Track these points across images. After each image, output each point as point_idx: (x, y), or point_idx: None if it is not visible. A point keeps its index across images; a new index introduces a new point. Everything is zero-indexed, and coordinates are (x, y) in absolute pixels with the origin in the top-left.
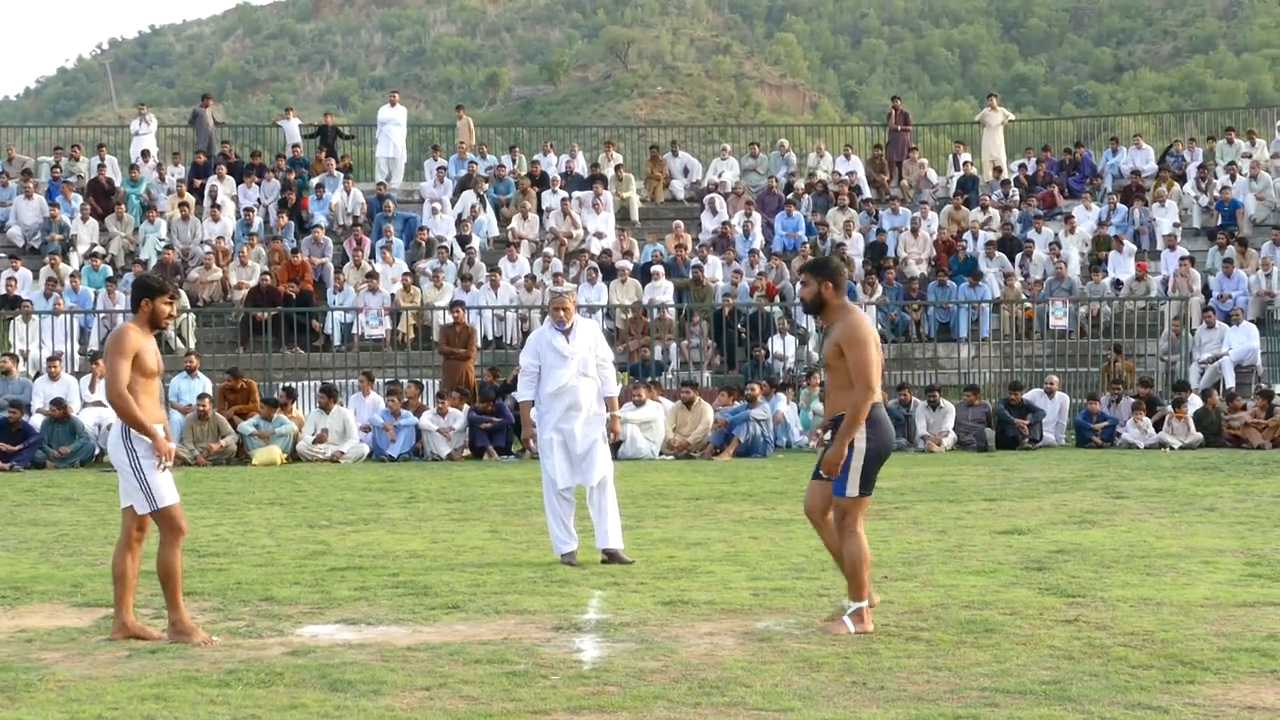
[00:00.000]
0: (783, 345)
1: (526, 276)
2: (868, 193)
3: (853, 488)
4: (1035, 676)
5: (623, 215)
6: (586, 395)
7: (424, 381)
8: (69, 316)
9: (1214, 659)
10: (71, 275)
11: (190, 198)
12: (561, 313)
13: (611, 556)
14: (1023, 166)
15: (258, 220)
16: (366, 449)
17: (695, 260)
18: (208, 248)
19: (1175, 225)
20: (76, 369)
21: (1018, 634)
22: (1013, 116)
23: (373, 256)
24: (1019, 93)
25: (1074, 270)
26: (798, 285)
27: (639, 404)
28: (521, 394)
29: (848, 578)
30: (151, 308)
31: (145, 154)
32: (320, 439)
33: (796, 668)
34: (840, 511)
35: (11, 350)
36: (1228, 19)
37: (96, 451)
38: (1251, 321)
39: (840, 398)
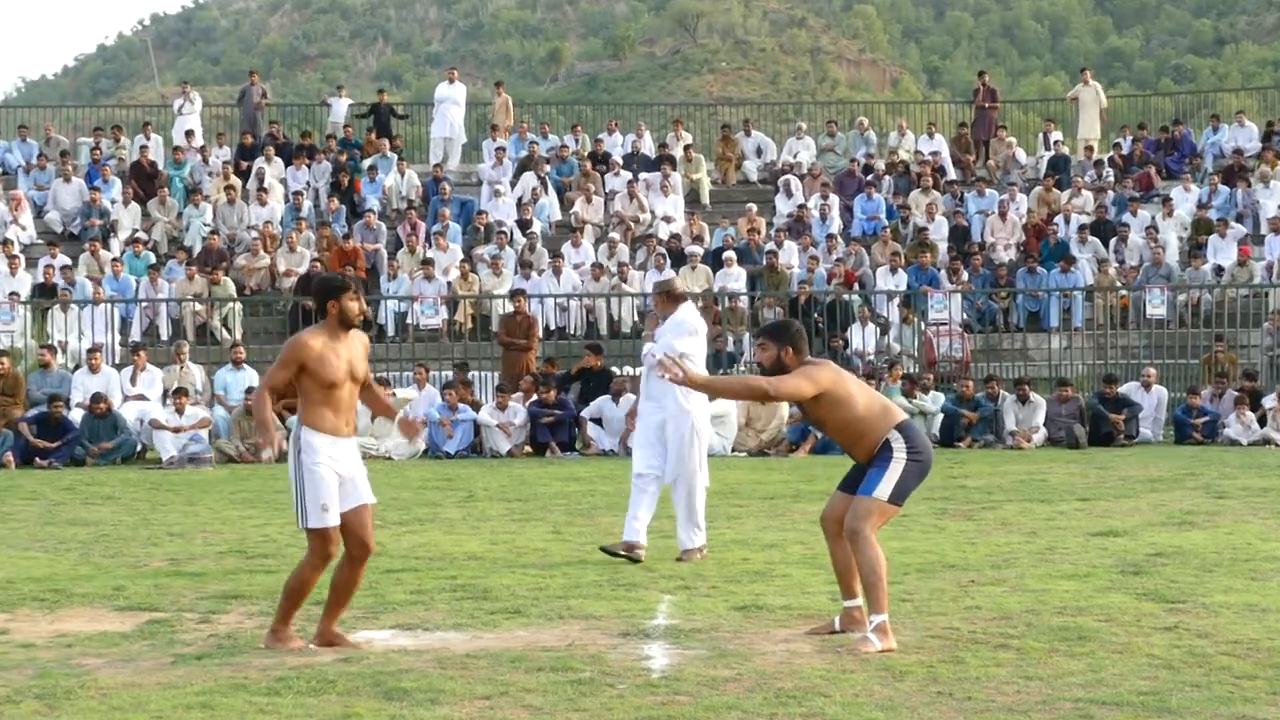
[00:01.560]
0: (862, 336)
1: (593, 264)
2: (952, 174)
3: (884, 490)
4: (1132, 687)
5: (692, 198)
6: (659, 389)
7: (481, 374)
8: (109, 306)
9: None
10: (113, 261)
11: (236, 180)
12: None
13: (686, 557)
14: (1117, 146)
15: (307, 204)
16: (421, 445)
17: (769, 246)
18: (255, 233)
19: None
20: (117, 361)
21: (1114, 642)
22: (1106, 94)
23: (428, 242)
24: (1113, 67)
25: (1172, 256)
26: (756, 349)
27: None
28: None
29: (865, 589)
30: (339, 307)
31: (189, 135)
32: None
33: (878, 677)
34: (860, 510)
35: (50, 342)
36: None
37: (139, 448)
38: None
39: (861, 443)
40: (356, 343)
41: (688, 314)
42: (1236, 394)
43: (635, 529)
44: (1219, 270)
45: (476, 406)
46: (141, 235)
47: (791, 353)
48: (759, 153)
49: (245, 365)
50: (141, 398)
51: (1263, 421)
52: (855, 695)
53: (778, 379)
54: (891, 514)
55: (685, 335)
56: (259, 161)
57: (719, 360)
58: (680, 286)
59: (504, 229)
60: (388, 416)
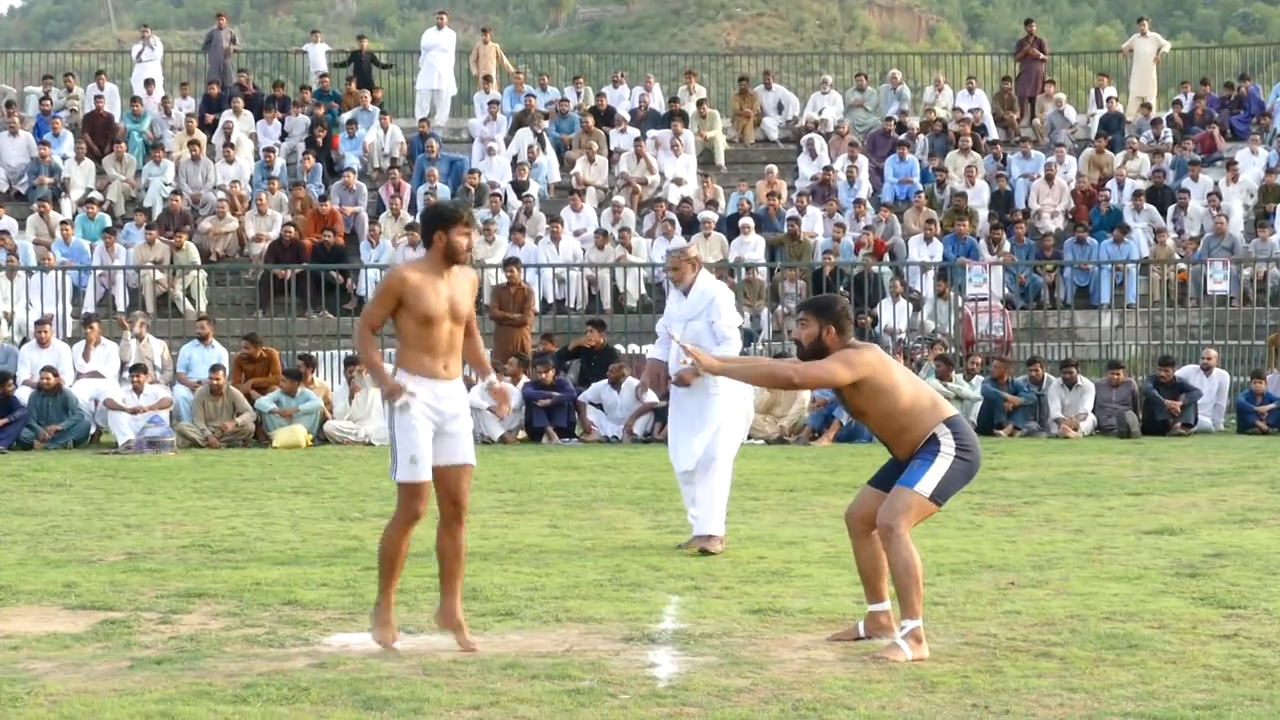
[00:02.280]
0: (893, 312)
1: (595, 231)
2: (994, 134)
3: (927, 485)
4: (1187, 700)
5: (706, 158)
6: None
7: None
8: (60, 273)
9: None
10: (63, 224)
11: (201, 135)
12: (673, 272)
13: (704, 550)
14: (1177, 103)
15: (279, 162)
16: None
17: (791, 211)
18: (221, 194)
19: None
20: (69, 335)
21: (1167, 651)
22: (1166, 45)
23: (413, 205)
24: (1173, 16)
25: (1236, 226)
26: (797, 324)
27: None
28: (653, 351)
29: (898, 591)
30: (446, 240)
31: (149, 84)
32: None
33: (907, 688)
34: (898, 504)
35: None
36: None
37: (92, 430)
38: None
39: (904, 438)
40: (463, 280)
41: (709, 283)
42: None
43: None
44: None
45: (467, 387)
46: (96, 195)
47: (834, 332)
48: (780, 109)
49: (213, 341)
50: (95, 375)
51: None
52: (882, 708)
53: (805, 365)
54: (930, 513)
55: (715, 311)
56: (226, 114)
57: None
58: (696, 253)
59: (497, 191)
60: (481, 373)
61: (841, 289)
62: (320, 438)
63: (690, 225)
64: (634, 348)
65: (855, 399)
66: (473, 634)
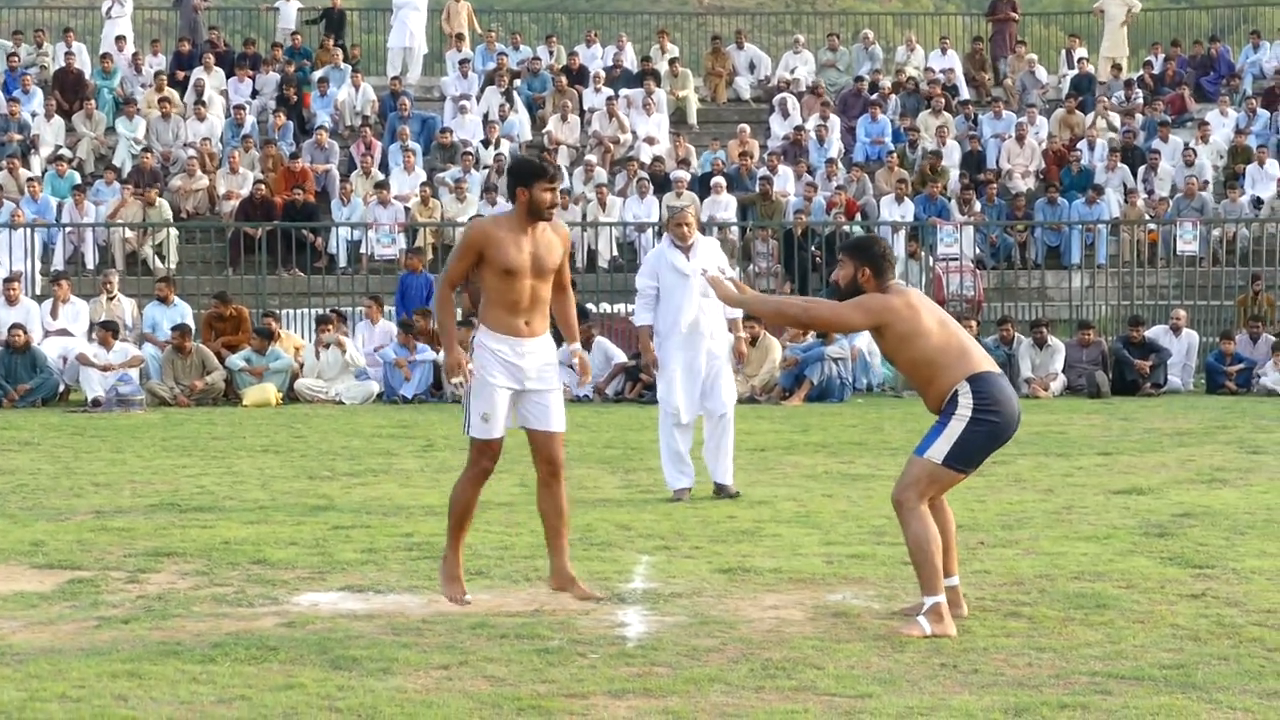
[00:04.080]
0: None
1: (562, 191)
2: (966, 94)
3: (937, 451)
4: (1155, 660)
5: (678, 118)
6: (709, 319)
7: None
8: (29, 230)
9: None
10: (31, 181)
11: (172, 92)
12: (684, 229)
13: (722, 490)
14: (1148, 64)
15: (250, 120)
16: (375, 387)
17: (763, 171)
18: (192, 151)
19: None
20: (38, 292)
21: (1135, 610)
22: (1137, 5)
23: (385, 164)
24: None
25: (1207, 186)
26: (837, 266)
27: None
28: (639, 318)
29: (915, 567)
30: (529, 195)
31: (120, 40)
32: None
33: (876, 647)
34: (907, 476)
35: None
36: None
37: (61, 388)
38: None
39: (930, 390)
40: (551, 237)
41: (707, 240)
42: (1275, 339)
43: (690, 468)
44: (1258, 203)
45: (436, 345)
46: (65, 152)
47: (869, 274)
48: (752, 68)
49: (177, 299)
50: (64, 333)
51: None
52: (850, 667)
53: (816, 303)
54: (950, 481)
55: (725, 268)
56: (197, 72)
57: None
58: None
59: (469, 150)
60: (569, 337)
61: (813, 249)
62: (290, 396)
63: (662, 184)
64: (605, 307)
65: (882, 344)
66: (439, 594)
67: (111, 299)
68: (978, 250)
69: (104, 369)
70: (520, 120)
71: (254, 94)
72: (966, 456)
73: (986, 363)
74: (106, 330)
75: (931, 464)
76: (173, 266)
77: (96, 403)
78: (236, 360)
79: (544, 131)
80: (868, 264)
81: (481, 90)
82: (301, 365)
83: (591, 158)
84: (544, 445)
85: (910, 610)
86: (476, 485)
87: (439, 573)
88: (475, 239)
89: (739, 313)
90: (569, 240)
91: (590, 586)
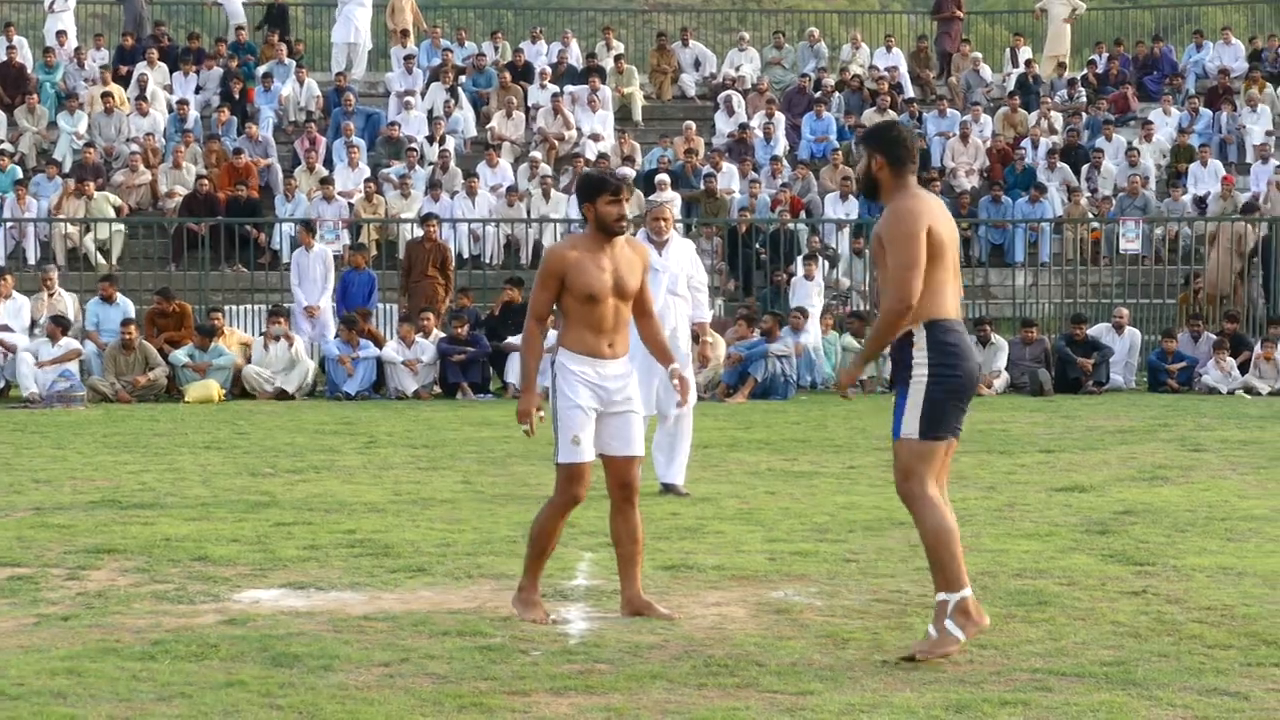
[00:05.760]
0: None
1: (508, 189)
2: (910, 92)
3: (910, 427)
4: (1095, 657)
5: (623, 115)
6: (674, 316)
7: (385, 305)
8: None
9: None
10: None
11: (115, 87)
12: (661, 223)
13: (669, 489)
14: (1091, 63)
15: (194, 115)
16: (310, 365)
17: (707, 168)
18: (135, 146)
19: (1268, 134)
20: None
21: (1076, 607)
22: (1082, 6)
23: (329, 159)
24: None
25: (1149, 185)
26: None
27: None
28: None
29: (930, 562)
30: (594, 212)
31: (62, 35)
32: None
33: (818, 644)
34: (899, 465)
35: None
36: None
37: (1, 384)
38: None
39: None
40: (630, 254)
41: (679, 238)
42: (1215, 338)
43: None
44: (1200, 202)
45: (380, 342)
46: (7, 147)
47: (883, 161)
48: (697, 65)
49: (121, 297)
50: (5, 329)
51: (1244, 368)
52: (792, 664)
53: (892, 292)
54: (937, 452)
55: (695, 265)
56: (140, 67)
57: None
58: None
59: (414, 146)
60: (663, 360)
61: (758, 246)
62: (233, 393)
63: None
64: None
65: (880, 255)
66: (380, 590)
67: (52, 294)
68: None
69: (51, 363)
70: (465, 116)
71: (197, 89)
72: (940, 420)
73: (953, 308)
74: (56, 325)
75: (911, 443)
76: (115, 262)
77: (32, 400)
78: (179, 356)
79: (488, 128)
80: (878, 150)
81: (426, 86)
82: (248, 359)
83: (536, 154)
84: (623, 470)
85: (922, 649)
86: (564, 514)
87: (514, 602)
88: (555, 265)
89: (706, 316)
90: (648, 259)
91: (666, 607)
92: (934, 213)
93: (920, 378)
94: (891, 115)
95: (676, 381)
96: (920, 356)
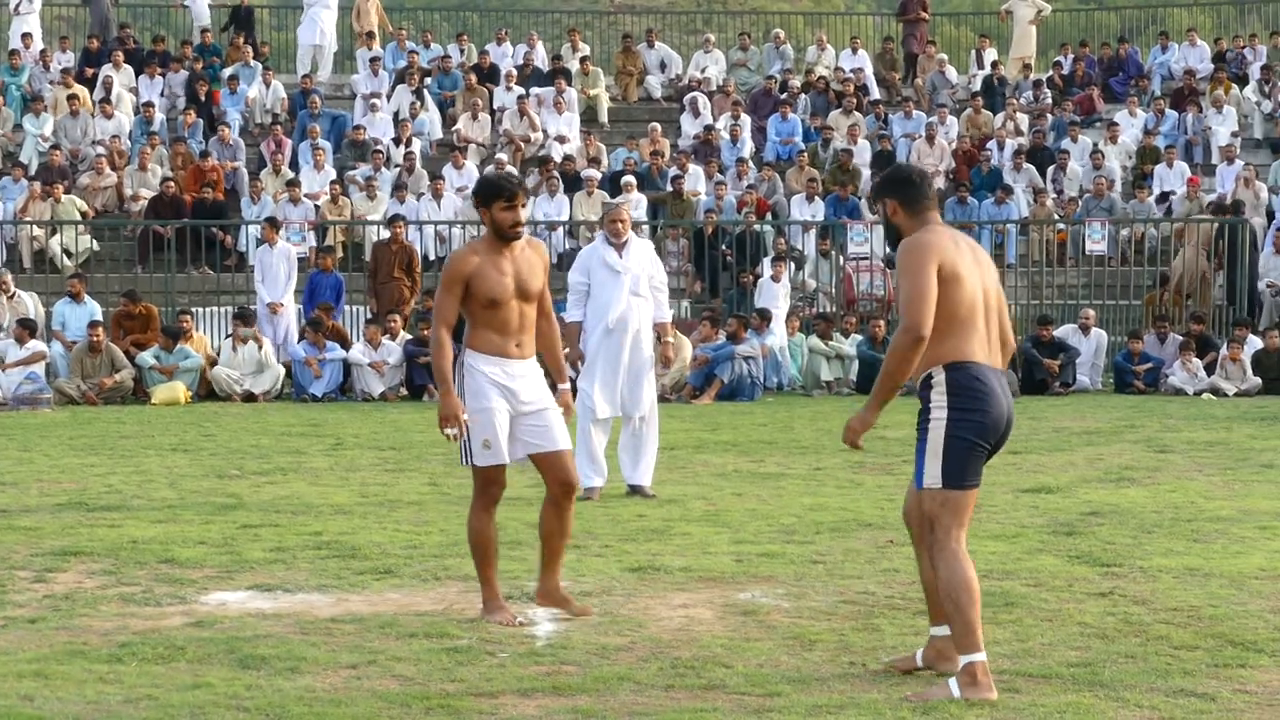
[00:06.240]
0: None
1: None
2: (876, 94)
3: (932, 476)
4: (1062, 658)
5: (589, 116)
6: (636, 317)
7: (352, 308)
8: None
9: (1269, 639)
10: None
11: (81, 90)
12: (618, 225)
13: (636, 490)
14: (1057, 65)
15: (160, 117)
16: (280, 370)
17: (673, 170)
18: (101, 149)
19: (1234, 135)
20: None
21: (1042, 609)
22: (1047, 8)
23: (295, 162)
24: None
25: (1115, 186)
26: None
27: None
28: (570, 314)
29: (947, 617)
30: (489, 217)
31: (27, 38)
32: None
33: (785, 646)
34: (927, 514)
35: None
36: None
37: None
38: None
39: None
40: (531, 255)
41: (638, 239)
42: (1182, 339)
43: (603, 467)
44: (1164, 199)
45: (346, 344)
46: None
47: (898, 206)
48: (663, 67)
49: (88, 298)
50: None
51: (1210, 369)
52: (760, 666)
53: (901, 323)
54: (963, 502)
55: (656, 266)
56: (106, 69)
57: None
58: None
59: (380, 148)
60: (558, 377)
61: (724, 248)
62: (200, 394)
63: (573, 183)
64: None
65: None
66: (347, 592)
67: (11, 296)
68: (888, 249)
69: (18, 365)
70: (431, 118)
71: (163, 91)
72: (963, 468)
73: (981, 353)
74: (24, 328)
75: (935, 493)
76: (79, 264)
77: (4, 403)
78: (146, 358)
79: (454, 130)
80: (890, 195)
81: (392, 88)
82: (215, 361)
83: (502, 156)
84: (554, 465)
85: (899, 662)
86: (488, 513)
87: (482, 613)
88: (457, 271)
89: (667, 316)
90: (547, 261)
91: (584, 604)
92: (947, 247)
93: (939, 420)
94: (857, 117)
95: (562, 409)
96: (940, 399)
